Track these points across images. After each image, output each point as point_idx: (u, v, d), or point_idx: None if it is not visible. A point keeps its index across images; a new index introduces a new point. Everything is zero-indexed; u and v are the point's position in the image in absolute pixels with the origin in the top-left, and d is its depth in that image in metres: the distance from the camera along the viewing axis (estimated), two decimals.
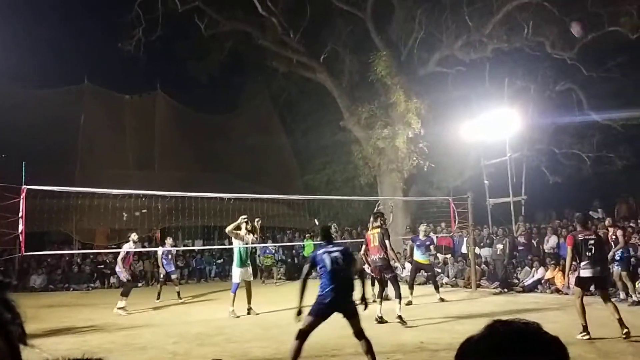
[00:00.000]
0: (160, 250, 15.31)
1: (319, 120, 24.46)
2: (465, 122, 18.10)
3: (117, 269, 13.45)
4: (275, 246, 20.11)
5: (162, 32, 20.32)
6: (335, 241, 7.29)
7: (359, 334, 6.21)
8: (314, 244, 20.63)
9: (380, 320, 9.85)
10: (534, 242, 16.36)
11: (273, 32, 20.58)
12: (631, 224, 15.27)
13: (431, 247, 13.85)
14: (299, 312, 6.10)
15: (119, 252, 18.99)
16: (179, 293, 14.63)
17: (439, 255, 18.05)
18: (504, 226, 17.62)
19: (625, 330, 7.87)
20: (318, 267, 6.31)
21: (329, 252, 6.32)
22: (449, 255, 17.48)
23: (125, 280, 12.90)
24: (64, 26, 22.99)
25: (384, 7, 20.30)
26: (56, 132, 20.04)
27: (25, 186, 9.04)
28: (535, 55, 18.10)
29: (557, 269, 14.16)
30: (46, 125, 19.45)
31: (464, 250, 17.15)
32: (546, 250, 15.85)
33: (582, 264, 8.38)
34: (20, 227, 8.94)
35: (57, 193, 12.14)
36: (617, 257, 12.54)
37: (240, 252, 11.56)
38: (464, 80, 19.39)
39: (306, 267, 6.31)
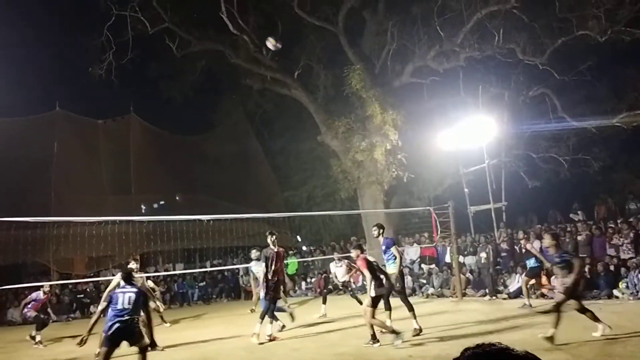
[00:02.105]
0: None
1: (297, 135, 24.40)
2: (442, 131, 18.14)
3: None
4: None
5: (133, 55, 20.12)
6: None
7: None
8: (298, 261, 20.51)
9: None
10: (517, 248, 16.36)
11: (245, 50, 20.52)
12: (611, 225, 15.37)
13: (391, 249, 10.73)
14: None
15: (98, 281, 18.75)
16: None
17: (422, 265, 18.00)
18: (486, 233, 17.64)
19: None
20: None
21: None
22: (433, 265, 17.40)
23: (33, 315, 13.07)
24: (32, 52, 22.65)
25: (356, 21, 20.40)
26: (29, 161, 19.68)
27: None
28: (507, 61, 18.23)
29: (541, 273, 14.14)
30: (18, 154, 19.09)
31: (447, 259, 17.09)
32: None
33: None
34: None
35: (32, 224, 11.86)
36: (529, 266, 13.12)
37: None
38: (439, 90, 19.48)
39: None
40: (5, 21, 18.81)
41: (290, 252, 21.51)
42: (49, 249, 18.79)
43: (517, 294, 14.21)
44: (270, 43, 10.61)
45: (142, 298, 7.18)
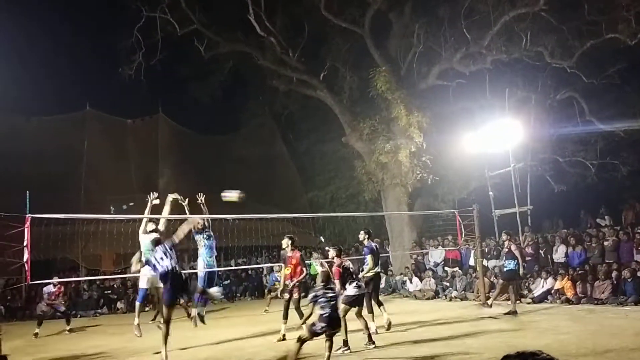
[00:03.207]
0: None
1: (322, 137, 24.52)
2: (467, 134, 18.06)
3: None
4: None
5: (162, 56, 20.54)
6: None
7: None
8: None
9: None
10: (542, 252, 16.25)
11: (272, 52, 20.73)
12: (639, 230, 15.16)
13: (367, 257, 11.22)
14: None
15: (125, 277, 19.08)
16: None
17: (446, 268, 17.97)
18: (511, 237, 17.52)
19: None
20: None
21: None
22: (456, 268, 17.36)
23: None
24: (64, 53, 23.19)
25: (382, 23, 20.43)
26: (59, 159, 20.14)
27: (29, 215, 9.04)
28: (535, 64, 18.12)
29: (566, 279, 14.05)
30: (49, 153, 19.55)
31: (471, 262, 17.03)
32: (555, 260, 15.74)
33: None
34: (26, 256, 8.93)
35: (62, 220, 12.15)
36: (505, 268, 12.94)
37: None
38: (465, 92, 19.43)
39: None
40: (38, 22, 19.29)
41: (314, 253, 21.61)
42: (78, 245, 19.17)
43: (542, 298, 14.12)
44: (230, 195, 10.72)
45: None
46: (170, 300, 8.19)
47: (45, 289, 14.09)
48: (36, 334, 13.15)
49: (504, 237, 13.31)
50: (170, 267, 8.04)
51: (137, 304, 10.55)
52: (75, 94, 22.48)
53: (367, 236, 11.28)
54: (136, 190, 22.30)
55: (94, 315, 18.46)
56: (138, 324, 10.27)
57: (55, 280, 14.19)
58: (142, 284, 10.51)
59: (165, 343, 8.19)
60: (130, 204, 18.97)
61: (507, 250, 12.89)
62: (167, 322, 8.27)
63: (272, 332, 11.00)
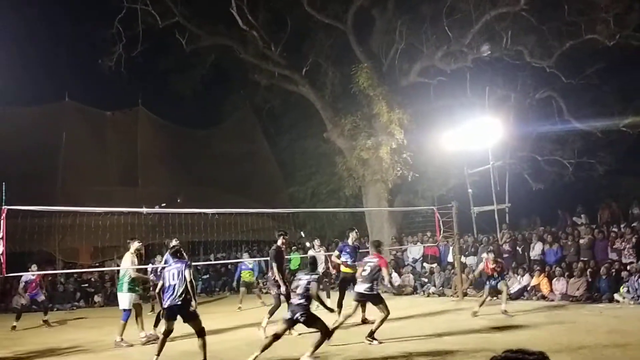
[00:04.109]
0: (149, 267, 15.19)
1: (303, 132, 24.52)
2: (448, 132, 18.20)
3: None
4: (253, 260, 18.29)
5: (143, 48, 20.30)
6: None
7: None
8: (301, 257, 20.61)
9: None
10: (519, 250, 16.45)
11: (254, 46, 20.64)
12: (614, 229, 15.42)
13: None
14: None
15: (103, 271, 18.92)
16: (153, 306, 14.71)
17: (425, 264, 18.10)
18: (489, 234, 17.72)
19: None
20: None
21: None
22: (434, 265, 17.49)
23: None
24: (43, 43, 22.78)
25: (365, 19, 20.44)
26: (37, 151, 19.85)
27: (5, 207, 8.92)
28: (515, 64, 18.28)
29: (542, 276, 14.24)
30: (26, 144, 19.27)
31: (449, 259, 17.18)
32: (532, 257, 15.94)
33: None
34: (1, 248, 8.82)
35: (39, 212, 12.00)
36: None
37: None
38: (446, 90, 19.53)
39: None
40: (17, 12, 18.96)
41: (294, 247, 21.64)
42: (55, 238, 18.95)
43: (519, 294, 14.32)
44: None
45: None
46: (167, 315, 8.06)
47: (23, 277, 13.80)
48: (14, 327, 13.02)
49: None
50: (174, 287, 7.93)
51: (122, 322, 10.31)
52: (54, 85, 22.14)
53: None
54: (115, 183, 22.13)
55: (71, 309, 18.29)
56: (122, 340, 10.19)
57: (34, 268, 13.97)
58: (126, 305, 10.33)
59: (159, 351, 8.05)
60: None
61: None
62: (166, 334, 8.15)
63: (250, 325, 11.01)
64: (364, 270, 9.55)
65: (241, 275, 16.43)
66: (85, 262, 21.16)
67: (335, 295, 12.38)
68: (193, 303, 7.88)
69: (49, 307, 14.75)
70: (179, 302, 7.80)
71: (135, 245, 10.70)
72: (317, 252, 13.63)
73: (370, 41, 20.63)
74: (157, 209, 13.22)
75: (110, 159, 22.83)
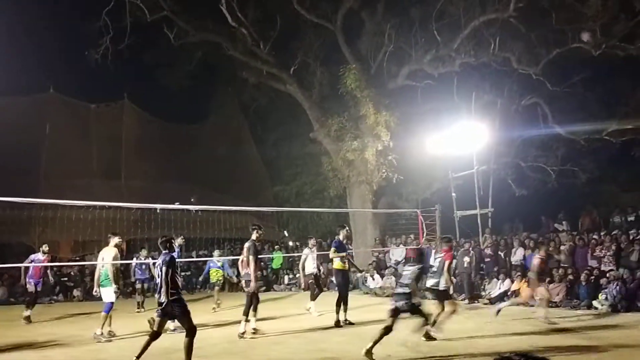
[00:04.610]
0: (134, 261, 15.09)
1: (289, 131, 24.49)
2: (433, 135, 18.29)
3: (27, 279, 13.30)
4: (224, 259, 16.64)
5: (131, 41, 20.14)
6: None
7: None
8: (283, 256, 20.59)
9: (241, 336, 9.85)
10: (501, 254, 16.55)
11: (243, 43, 20.58)
12: (594, 236, 15.59)
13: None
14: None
15: (83, 265, 18.73)
16: (140, 303, 14.59)
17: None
18: (471, 238, 17.82)
19: None
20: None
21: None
22: None
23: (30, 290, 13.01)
24: (28, 33, 22.49)
25: (354, 21, 20.49)
26: (20, 142, 19.59)
27: None
28: (502, 70, 18.44)
29: (523, 281, 14.33)
30: (9, 135, 19.00)
31: (432, 262, 17.20)
32: (513, 262, 16.04)
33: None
34: None
35: (20, 204, 11.86)
36: None
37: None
38: (433, 94, 19.63)
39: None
40: (2, 1, 18.70)
41: (276, 246, 21.63)
42: (35, 230, 18.73)
43: (499, 299, 14.38)
44: None
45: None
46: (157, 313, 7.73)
47: (32, 256, 13.07)
48: (28, 317, 12.72)
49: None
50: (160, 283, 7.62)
51: (104, 314, 10.28)
52: (39, 76, 21.86)
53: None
54: (97, 176, 21.91)
55: (49, 302, 18.07)
56: (102, 333, 10.16)
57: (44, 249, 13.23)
58: (112, 298, 10.32)
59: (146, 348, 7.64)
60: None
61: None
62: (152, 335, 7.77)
63: (231, 323, 10.97)
64: (432, 266, 9.61)
65: (209, 273, 15.44)
66: (66, 255, 20.96)
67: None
68: (162, 298, 7.40)
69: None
70: (164, 300, 7.41)
71: (115, 240, 10.64)
72: (312, 251, 13.55)
73: (359, 43, 20.68)
74: (138, 204, 13.04)
75: (94, 151, 22.60)
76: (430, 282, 9.73)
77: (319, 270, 13.80)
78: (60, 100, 21.80)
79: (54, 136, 21.14)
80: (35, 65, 21.92)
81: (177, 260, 8.01)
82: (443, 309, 9.56)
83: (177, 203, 11.76)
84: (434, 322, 9.12)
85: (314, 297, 13.09)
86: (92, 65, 20.08)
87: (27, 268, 13.17)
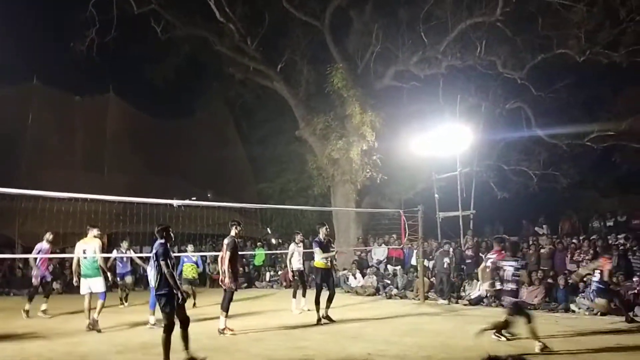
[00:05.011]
0: (113, 254, 14.83)
1: (275, 128, 24.47)
2: (418, 137, 18.38)
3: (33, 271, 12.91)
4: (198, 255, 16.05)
5: (117, 34, 19.93)
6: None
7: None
8: (265, 253, 20.58)
9: (221, 332, 9.87)
10: (482, 256, 16.66)
11: (230, 39, 20.50)
12: (573, 241, 15.80)
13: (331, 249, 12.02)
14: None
15: (63, 258, 18.50)
16: (122, 298, 14.46)
17: (388, 266, 18.24)
18: (452, 240, 17.95)
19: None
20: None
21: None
22: (398, 267, 17.64)
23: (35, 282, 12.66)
24: (13, 24, 22.20)
25: (342, 20, 20.53)
26: (1, 131, 19.38)
27: None
28: (488, 73, 18.59)
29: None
30: None
31: (413, 262, 17.34)
32: None
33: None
34: None
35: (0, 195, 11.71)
36: None
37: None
38: (419, 96, 19.72)
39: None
40: None
41: (259, 243, 21.60)
42: (15, 221, 18.52)
43: (478, 300, 14.51)
44: None
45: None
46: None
47: (37, 246, 12.57)
48: (45, 311, 12.54)
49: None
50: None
51: (101, 301, 10.53)
52: (22, 66, 21.59)
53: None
54: (79, 169, 21.72)
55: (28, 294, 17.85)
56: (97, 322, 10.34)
57: (49, 233, 12.79)
58: (103, 288, 10.65)
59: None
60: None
61: None
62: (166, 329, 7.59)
63: (211, 318, 10.95)
64: (487, 267, 9.59)
65: (183, 269, 14.57)
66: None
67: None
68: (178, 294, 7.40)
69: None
70: (160, 292, 7.39)
71: (93, 232, 10.70)
72: (298, 246, 13.52)
73: (347, 42, 20.72)
74: (120, 198, 12.91)
75: (77, 144, 22.40)
76: (485, 285, 9.83)
77: (304, 266, 13.81)
78: (43, 91, 21.57)
79: (37, 127, 20.92)
80: (19, 55, 21.68)
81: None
82: None
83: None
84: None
85: (295, 295, 13.14)
86: (77, 57, 19.84)
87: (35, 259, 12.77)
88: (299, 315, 12.46)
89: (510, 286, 8.58)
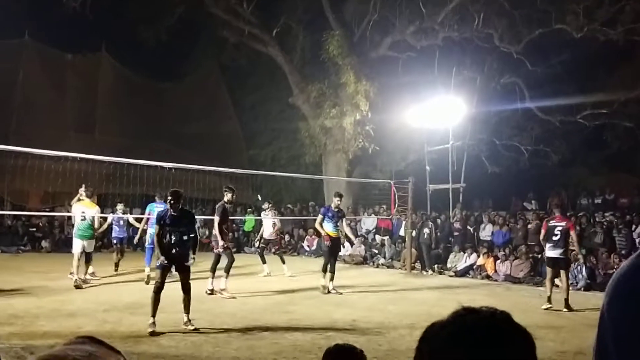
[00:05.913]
0: (110, 216, 14.67)
1: (268, 94, 24.28)
2: (411, 108, 18.32)
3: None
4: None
5: None
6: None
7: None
8: (255, 219, 20.62)
9: (211, 293, 10.16)
10: (470, 229, 16.84)
11: (226, 1, 20.17)
12: None
13: (343, 220, 11.93)
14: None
15: (53, 216, 18.45)
16: (117, 264, 14.33)
17: (377, 236, 18.38)
18: (441, 212, 18.09)
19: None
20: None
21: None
22: (386, 237, 17.77)
23: None
24: None
25: None
26: None
27: None
28: (484, 46, 18.45)
29: (489, 256, 14.65)
30: None
31: (402, 233, 17.46)
32: (481, 238, 16.36)
33: (548, 246, 9.77)
34: None
35: None
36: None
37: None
38: (414, 66, 19.59)
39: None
40: None
41: (249, 209, 21.62)
42: (4, 178, 18.40)
43: (464, 272, 14.70)
44: None
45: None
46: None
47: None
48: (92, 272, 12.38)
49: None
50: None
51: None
52: (13, 21, 21.18)
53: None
54: (71, 128, 21.52)
55: (17, 252, 17.91)
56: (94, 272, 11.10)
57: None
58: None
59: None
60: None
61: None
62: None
63: (199, 278, 11.01)
64: (554, 235, 9.63)
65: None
66: (35, 206, 20.65)
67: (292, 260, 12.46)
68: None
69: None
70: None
71: (80, 191, 11.24)
72: (267, 215, 13.63)
73: (344, 9, 20.46)
74: (111, 158, 12.86)
75: (68, 103, 22.15)
76: (555, 253, 9.79)
77: (282, 235, 13.90)
78: (35, 47, 21.24)
79: (27, 83, 20.66)
80: (10, 9, 21.26)
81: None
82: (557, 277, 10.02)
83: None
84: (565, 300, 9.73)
85: (283, 260, 13.35)
86: (69, 13, 19.49)
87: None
88: (288, 279, 12.59)
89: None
